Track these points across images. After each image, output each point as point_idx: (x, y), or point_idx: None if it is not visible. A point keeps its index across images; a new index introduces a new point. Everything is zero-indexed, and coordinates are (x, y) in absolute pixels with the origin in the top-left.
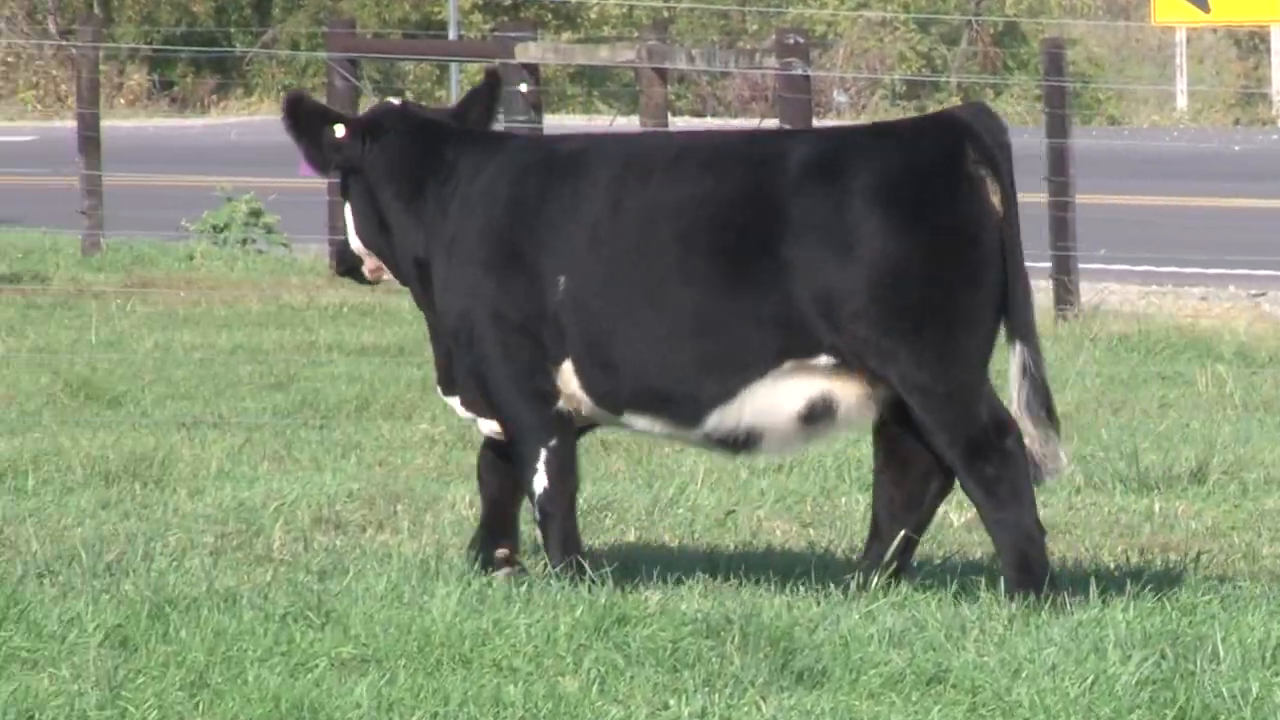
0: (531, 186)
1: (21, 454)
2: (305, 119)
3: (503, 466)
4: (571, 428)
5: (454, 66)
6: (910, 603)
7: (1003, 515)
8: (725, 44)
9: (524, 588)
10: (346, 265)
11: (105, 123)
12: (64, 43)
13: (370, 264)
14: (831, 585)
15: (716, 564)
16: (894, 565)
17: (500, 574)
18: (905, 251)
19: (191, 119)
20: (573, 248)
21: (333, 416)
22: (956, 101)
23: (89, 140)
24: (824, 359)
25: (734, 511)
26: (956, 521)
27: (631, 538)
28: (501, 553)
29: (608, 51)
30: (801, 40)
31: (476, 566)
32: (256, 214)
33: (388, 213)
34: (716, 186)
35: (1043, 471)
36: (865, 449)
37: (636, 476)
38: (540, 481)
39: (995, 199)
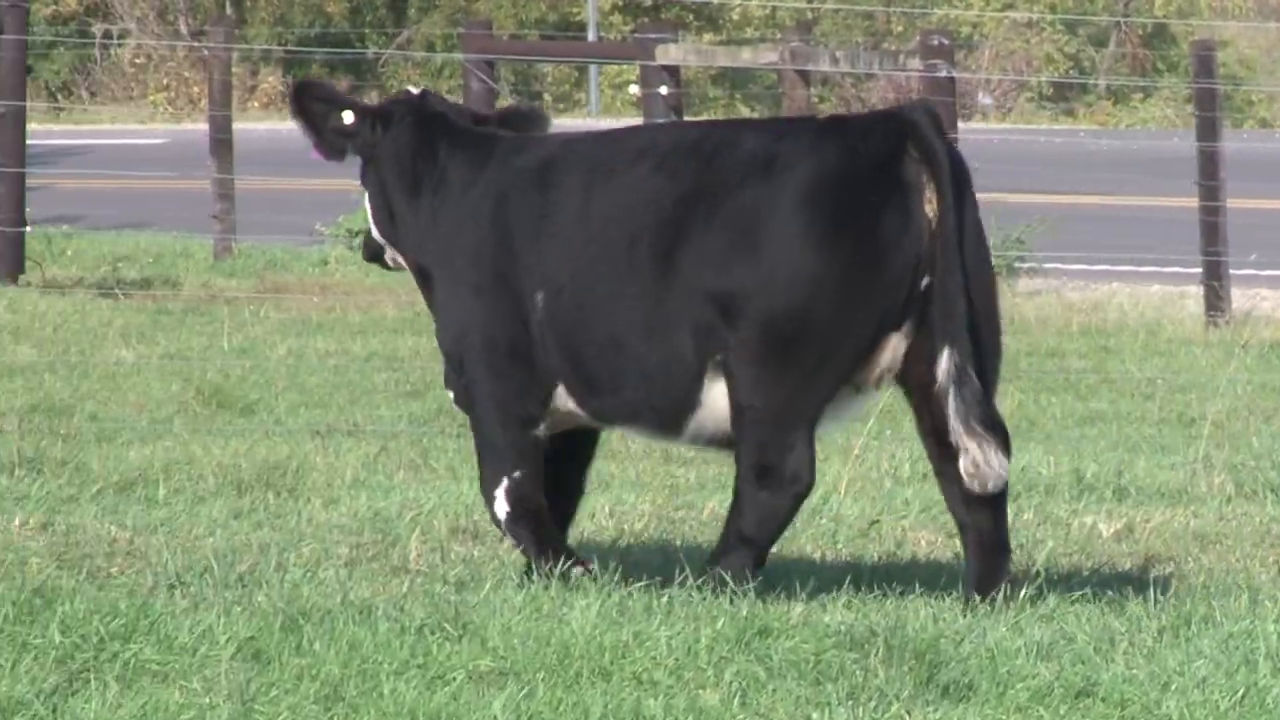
0: (513, 201)
1: (152, 463)
2: (309, 106)
3: (555, 476)
4: (540, 457)
5: (593, 69)
6: (1058, 615)
7: (740, 532)
8: (869, 45)
9: (664, 599)
10: (371, 252)
11: (237, 125)
12: (195, 44)
13: (390, 252)
14: (977, 596)
15: (860, 575)
16: (998, 544)
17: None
18: (813, 262)
19: None
20: (547, 261)
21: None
22: (1108, 105)
23: (221, 143)
24: (719, 356)
25: (878, 521)
26: (1105, 532)
27: (774, 549)
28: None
29: (750, 53)
30: (946, 42)
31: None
32: None
33: (394, 206)
34: (666, 184)
35: (977, 484)
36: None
37: None
38: (501, 508)
39: (929, 205)
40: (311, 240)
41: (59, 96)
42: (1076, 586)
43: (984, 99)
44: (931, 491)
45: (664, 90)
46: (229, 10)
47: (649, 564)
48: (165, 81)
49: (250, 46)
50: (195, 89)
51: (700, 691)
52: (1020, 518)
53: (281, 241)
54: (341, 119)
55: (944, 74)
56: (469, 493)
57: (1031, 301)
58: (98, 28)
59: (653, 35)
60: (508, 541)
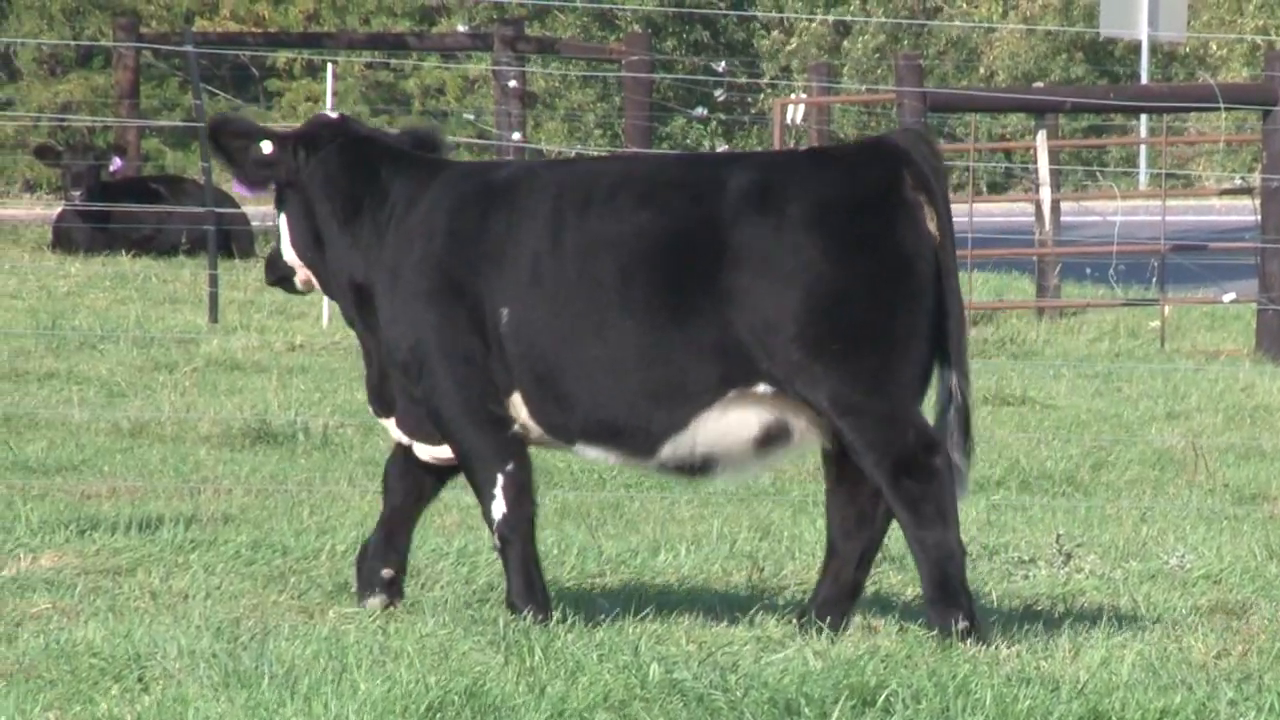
0: (469, 218)
1: None
2: (227, 142)
3: (414, 474)
4: (526, 451)
5: None
6: None
7: (925, 534)
8: None
9: None
10: (277, 275)
11: None
12: None
13: (302, 276)
14: (813, 616)
15: None
16: (853, 586)
17: (374, 601)
18: (841, 277)
19: None
20: (514, 280)
21: None
22: None
23: None
24: (762, 387)
25: None
26: None
27: None
28: (386, 573)
29: None
30: None
31: (353, 584)
32: None
33: (324, 228)
34: (656, 217)
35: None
36: None
37: None
38: (499, 508)
39: (931, 225)
40: None
41: None
42: None
43: None
44: None
45: None
46: None
47: None
48: None
49: None
50: None
51: None
52: None
53: None
54: (260, 149)
55: None
56: None
57: None
58: None
59: None
60: (492, 544)
